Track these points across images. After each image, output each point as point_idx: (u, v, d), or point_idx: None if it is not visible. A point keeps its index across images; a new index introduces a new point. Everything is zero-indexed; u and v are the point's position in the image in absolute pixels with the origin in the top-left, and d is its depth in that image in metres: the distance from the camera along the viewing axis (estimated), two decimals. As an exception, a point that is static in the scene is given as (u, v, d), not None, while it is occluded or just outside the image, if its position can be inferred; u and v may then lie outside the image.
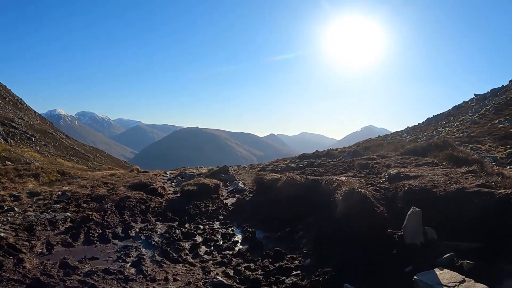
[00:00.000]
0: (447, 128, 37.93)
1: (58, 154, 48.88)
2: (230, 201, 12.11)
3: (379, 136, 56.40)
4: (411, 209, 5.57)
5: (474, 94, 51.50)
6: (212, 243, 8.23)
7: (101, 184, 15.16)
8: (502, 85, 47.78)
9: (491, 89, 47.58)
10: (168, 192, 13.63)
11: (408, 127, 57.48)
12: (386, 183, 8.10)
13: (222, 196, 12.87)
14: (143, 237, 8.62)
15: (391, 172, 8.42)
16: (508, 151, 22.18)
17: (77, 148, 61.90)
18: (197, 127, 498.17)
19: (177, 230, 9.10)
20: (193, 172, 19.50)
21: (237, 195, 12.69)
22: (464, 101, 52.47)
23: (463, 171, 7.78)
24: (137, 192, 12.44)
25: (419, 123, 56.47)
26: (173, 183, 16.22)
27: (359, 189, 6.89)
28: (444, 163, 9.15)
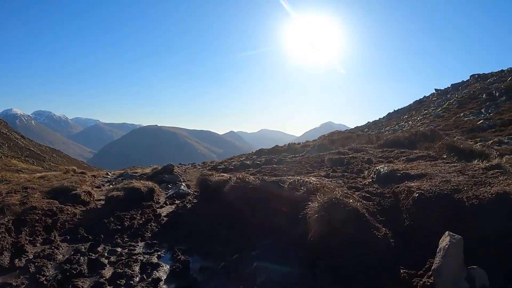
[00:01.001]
0: (410, 122, 36.86)
1: (13, 155, 47.10)
2: (166, 210, 9.27)
3: (337, 130, 55.17)
4: (447, 237, 3.07)
5: (435, 89, 51.27)
6: (123, 281, 5.42)
7: (20, 190, 11.82)
8: (463, 80, 47.76)
9: (452, 84, 47.38)
10: (96, 198, 10.56)
11: (369, 122, 56.64)
12: (375, 186, 5.64)
13: (158, 203, 9.99)
14: (32, 269, 5.73)
15: (381, 170, 5.95)
16: (479, 143, 20.89)
17: (32, 149, 59.76)
18: (156, 125, 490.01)
19: (82, 258, 6.19)
20: (136, 173, 16.51)
21: (176, 202, 9.89)
22: (425, 96, 52.17)
23: (481, 166, 5.46)
24: (47, 201, 9.32)
25: (379, 118, 55.74)
26: (110, 186, 13.26)
27: (345, 198, 4.32)
28: (444, 156, 6.83)
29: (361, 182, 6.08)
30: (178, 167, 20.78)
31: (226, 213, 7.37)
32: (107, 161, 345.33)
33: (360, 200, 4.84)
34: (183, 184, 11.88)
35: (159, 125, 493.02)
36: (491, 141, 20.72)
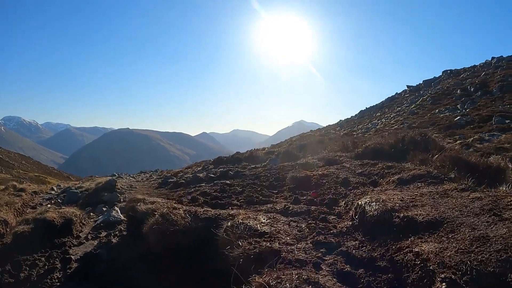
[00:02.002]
0: (384, 120, 35.42)
1: (-21, 164, 43.38)
2: (83, 249, 6.81)
3: (311, 130, 53.50)
4: None
5: (407, 86, 50.26)
6: None
7: None
8: (435, 76, 46.87)
9: (424, 80, 46.46)
10: (13, 225, 7.92)
11: (341, 120, 55.25)
12: (359, 237, 3.42)
13: (78, 237, 7.49)
14: None
15: (366, 208, 3.73)
16: (458, 141, 19.31)
17: (0, 156, 56.85)
18: (128, 128, 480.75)
19: None
20: (81, 187, 13.75)
21: (102, 235, 7.46)
22: (396, 93, 51.16)
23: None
24: None
25: (351, 116, 54.41)
26: (48, 205, 10.63)
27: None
28: (452, 176, 4.74)
29: (335, 226, 3.86)
30: (132, 177, 18.01)
31: (151, 259, 5.20)
32: (79, 166, 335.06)
33: (333, 279, 2.62)
34: (117, 208, 9.41)
35: (130, 128, 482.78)
36: (472, 138, 19.25)
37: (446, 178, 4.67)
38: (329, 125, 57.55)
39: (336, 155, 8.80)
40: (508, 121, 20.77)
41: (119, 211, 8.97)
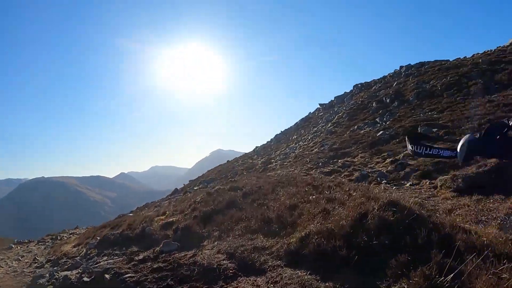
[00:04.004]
0: (301, 143, 32.53)
1: None
2: None
3: (228, 161, 49.41)
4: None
5: (319, 104, 48.84)
6: None
7: None
8: (346, 91, 45.82)
9: (336, 97, 45.12)
10: None
11: (257, 147, 52.01)
12: None
13: None
14: None
15: None
16: (388, 160, 16.28)
17: None
18: (43, 176, 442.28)
19: None
20: None
21: None
22: (310, 112, 49.48)
23: None
24: None
25: (268, 142, 51.53)
26: None
27: None
28: None
29: None
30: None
31: None
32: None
33: None
34: None
35: (46, 176, 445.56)
36: (402, 154, 16.33)
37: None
38: (245, 153, 53.93)
39: (255, 245, 6.20)
40: (436, 129, 18.26)
41: None
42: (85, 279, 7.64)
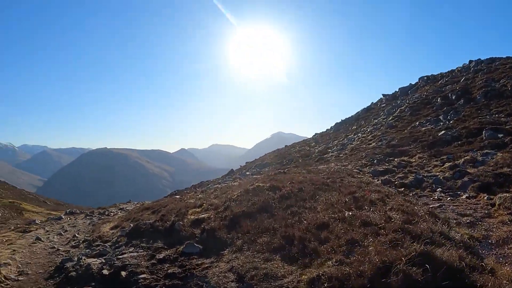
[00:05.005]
0: (360, 134, 32.23)
1: (-51, 192, 41.21)
2: None
3: (286, 146, 50.16)
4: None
5: (382, 95, 47.47)
6: None
7: None
8: (411, 83, 44.09)
9: (400, 88, 43.55)
10: None
11: (316, 134, 52.00)
12: None
13: None
14: None
15: None
16: (447, 164, 15.91)
17: None
18: (105, 147, 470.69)
19: None
20: None
21: None
22: (372, 103, 48.25)
23: None
24: None
25: (327, 129, 51.30)
26: None
27: None
28: None
29: None
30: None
31: None
32: (58, 188, 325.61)
33: None
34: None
35: (108, 147, 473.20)
36: (463, 159, 15.90)
37: None
38: (305, 139, 54.33)
39: (268, 271, 6.06)
40: (502, 135, 17.56)
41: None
42: (104, 271, 7.87)
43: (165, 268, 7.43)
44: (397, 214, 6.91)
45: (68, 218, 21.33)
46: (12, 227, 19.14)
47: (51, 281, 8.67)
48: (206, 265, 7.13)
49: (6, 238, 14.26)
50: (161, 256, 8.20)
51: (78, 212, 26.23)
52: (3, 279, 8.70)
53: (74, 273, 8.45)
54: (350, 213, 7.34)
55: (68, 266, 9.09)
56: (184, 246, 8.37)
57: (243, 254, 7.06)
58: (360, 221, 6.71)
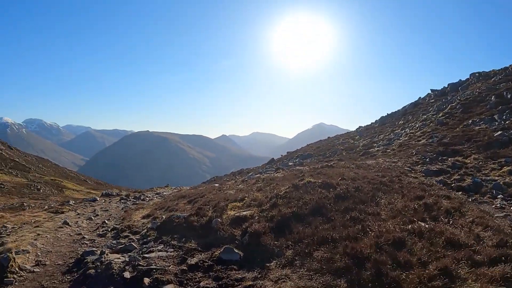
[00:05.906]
0: (408, 130, 31.69)
1: (-4, 168, 45.61)
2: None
3: (328, 137, 50.04)
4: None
5: (431, 90, 46.06)
6: None
7: None
8: (461, 80, 42.59)
9: (450, 84, 42.09)
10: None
11: (360, 127, 51.38)
12: None
13: None
14: None
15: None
16: (506, 168, 15.45)
17: (17, 160, 57.32)
18: (147, 130, 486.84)
19: None
20: None
21: None
22: (420, 98, 46.99)
23: None
24: None
25: (372, 123, 50.54)
26: None
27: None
28: None
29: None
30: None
31: None
32: (99, 168, 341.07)
33: None
34: None
35: (150, 130, 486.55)
36: (524, 166, 15.48)
37: None
38: (348, 132, 53.86)
39: None
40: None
41: None
42: (126, 274, 6.86)
43: (197, 279, 6.31)
44: (484, 231, 6.05)
45: (103, 201, 21.38)
46: (46, 206, 20.03)
47: (68, 277, 7.91)
48: (248, 283, 5.79)
49: (36, 219, 14.24)
50: (193, 261, 7.04)
51: (114, 194, 26.54)
52: (17, 269, 8.01)
53: (93, 270, 7.64)
54: (427, 226, 6.24)
55: (89, 260, 8.35)
56: (222, 250, 7.15)
57: (295, 273, 5.71)
58: (444, 239, 5.62)
